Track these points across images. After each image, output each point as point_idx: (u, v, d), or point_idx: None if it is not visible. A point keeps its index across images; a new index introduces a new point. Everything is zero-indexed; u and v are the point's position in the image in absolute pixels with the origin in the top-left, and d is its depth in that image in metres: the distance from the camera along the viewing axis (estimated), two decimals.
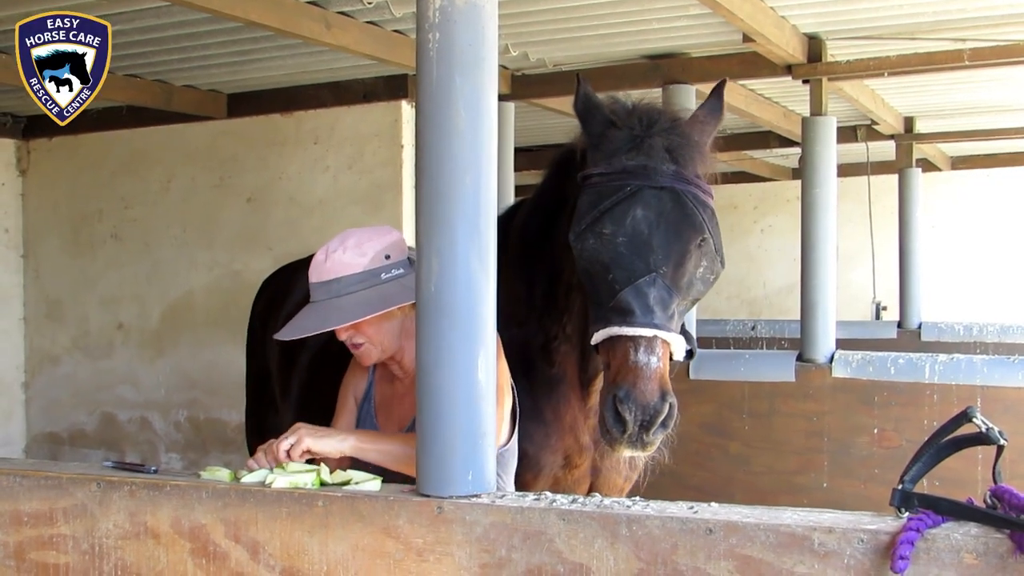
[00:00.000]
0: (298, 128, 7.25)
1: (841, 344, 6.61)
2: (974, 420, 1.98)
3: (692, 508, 2.10)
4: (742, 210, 15.13)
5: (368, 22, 5.53)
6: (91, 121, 7.69)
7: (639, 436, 2.79)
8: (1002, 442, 1.97)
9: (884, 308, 11.13)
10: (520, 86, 6.85)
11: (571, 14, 5.70)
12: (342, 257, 2.83)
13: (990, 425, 1.98)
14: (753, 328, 10.13)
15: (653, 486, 5.56)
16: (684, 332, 3.15)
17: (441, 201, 2.24)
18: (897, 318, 10.06)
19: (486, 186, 2.26)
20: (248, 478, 2.48)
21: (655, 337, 2.82)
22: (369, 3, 5.14)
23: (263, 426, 4.61)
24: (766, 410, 6.32)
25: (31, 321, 8.35)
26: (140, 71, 6.70)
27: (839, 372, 6.13)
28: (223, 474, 2.52)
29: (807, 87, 6.55)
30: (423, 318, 2.26)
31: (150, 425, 7.90)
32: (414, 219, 2.33)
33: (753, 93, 7.88)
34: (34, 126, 8.16)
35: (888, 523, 1.96)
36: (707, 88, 6.72)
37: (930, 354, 6.30)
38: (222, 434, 7.48)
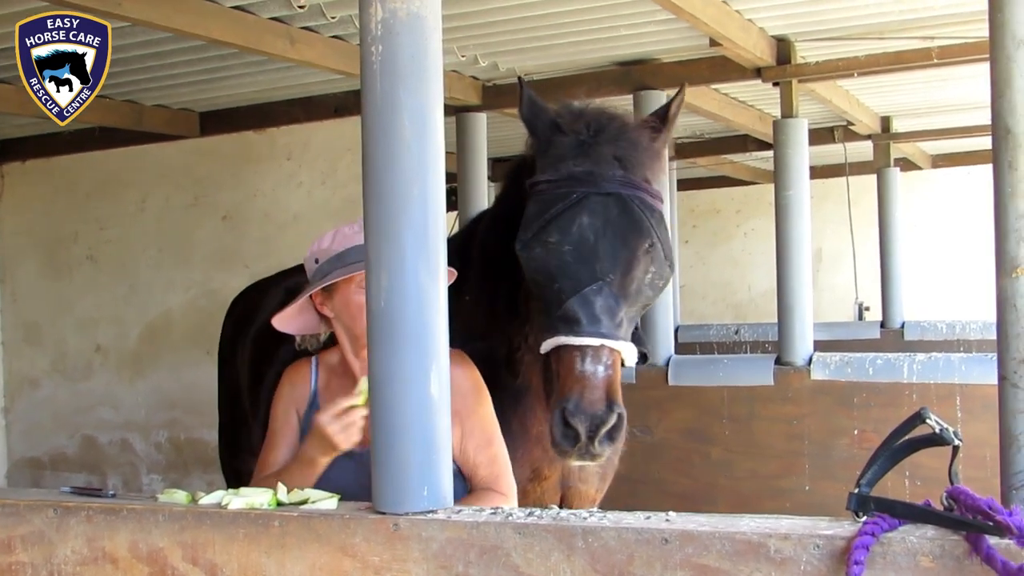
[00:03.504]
0: (271, 145, 7.23)
1: (824, 346, 6.61)
2: (928, 421, 1.97)
3: (648, 518, 2.08)
4: (725, 214, 15.16)
5: (333, 36, 5.52)
6: (64, 143, 7.67)
7: (587, 446, 2.76)
8: (956, 442, 1.96)
9: (867, 308, 11.15)
10: (491, 96, 6.84)
11: (540, 23, 5.69)
12: None
13: (944, 426, 1.97)
14: (736, 332, 10.13)
15: (635, 495, 5.57)
16: (636, 336, 3.13)
17: (388, 215, 2.22)
18: (880, 318, 10.06)
19: (434, 198, 2.24)
20: (205, 499, 2.45)
21: (602, 346, 2.80)
22: (333, 18, 5.13)
23: (236, 444, 4.59)
24: (746, 414, 6.31)
25: (9, 345, 8.31)
26: (109, 92, 6.68)
27: (817, 374, 6.12)
28: (180, 496, 2.49)
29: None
30: (374, 333, 2.24)
31: (131, 447, 7.86)
32: None
33: (727, 97, 7.89)
34: (7, 150, 8.13)
35: (844, 528, 1.94)
36: None
37: (908, 354, 6.30)
38: (203, 454, 7.44)
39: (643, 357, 3.37)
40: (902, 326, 9.74)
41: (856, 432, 5.99)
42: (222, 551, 2.34)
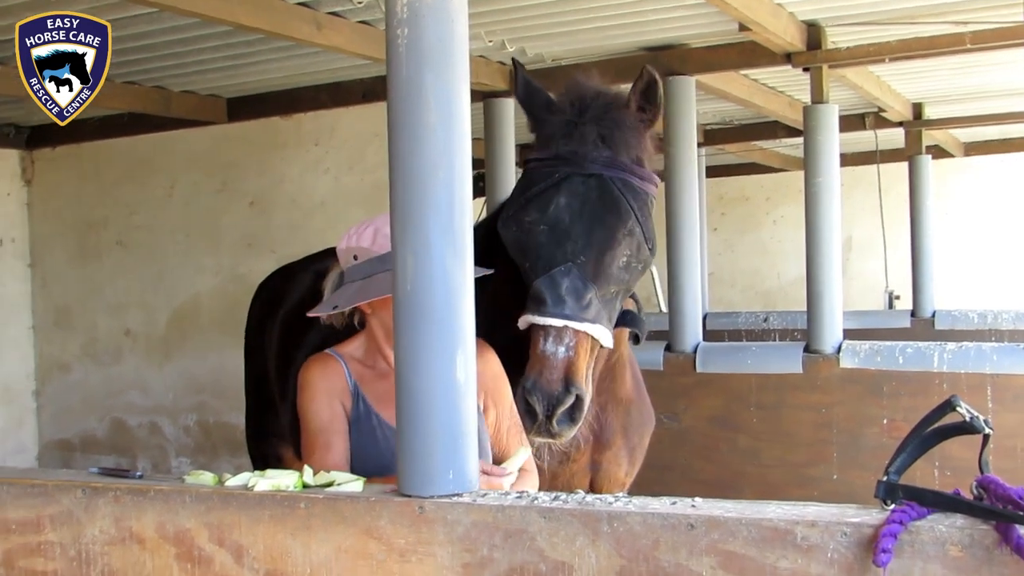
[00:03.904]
0: (298, 130, 7.24)
1: (854, 334, 6.56)
2: (958, 409, 1.95)
3: (674, 503, 2.07)
4: (754, 201, 15.08)
5: (360, 22, 5.52)
6: (93, 129, 7.71)
7: (545, 425, 2.76)
8: (987, 431, 1.93)
9: (897, 297, 11.06)
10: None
11: (567, 7, 5.67)
12: None
13: (975, 414, 1.94)
14: (765, 320, 10.07)
15: (662, 482, 5.55)
16: (630, 316, 3.11)
17: (414, 199, 2.22)
18: (911, 307, 9.98)
19: (460, 182, 2.23)
20: (231, 481, 2.46)
21: (565, 327, 2.81)
22: (359, 2, 5.12)
23: (263, 428, 4.61)
24: (774, 402, 6.28)
25: (40, 329, 8.38)
26: (138, 78, 6.71)
27: (847, 363, 6.07)
28: (207, 478, 2.50)
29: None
30: (400, 318, 2.24)
31: (160, 430, 7.92)
32: None
33: (756, 83, 7.83)
34: (38, 136, 8.19)
35: (872, 516, 1.92)
36: (707, 79, 6.80)
37: (939, 343, 6.23)
38: (231, 437, 7.48)
39: (635, 338, 3.37)
40: (933, 315, 9.65)
41: (885, 421, 5.94)
42: (248, 532, 2.35)
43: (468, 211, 2.27)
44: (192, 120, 7.38)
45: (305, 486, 2.39)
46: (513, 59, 3.30)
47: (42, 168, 8.28)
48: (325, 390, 3.00)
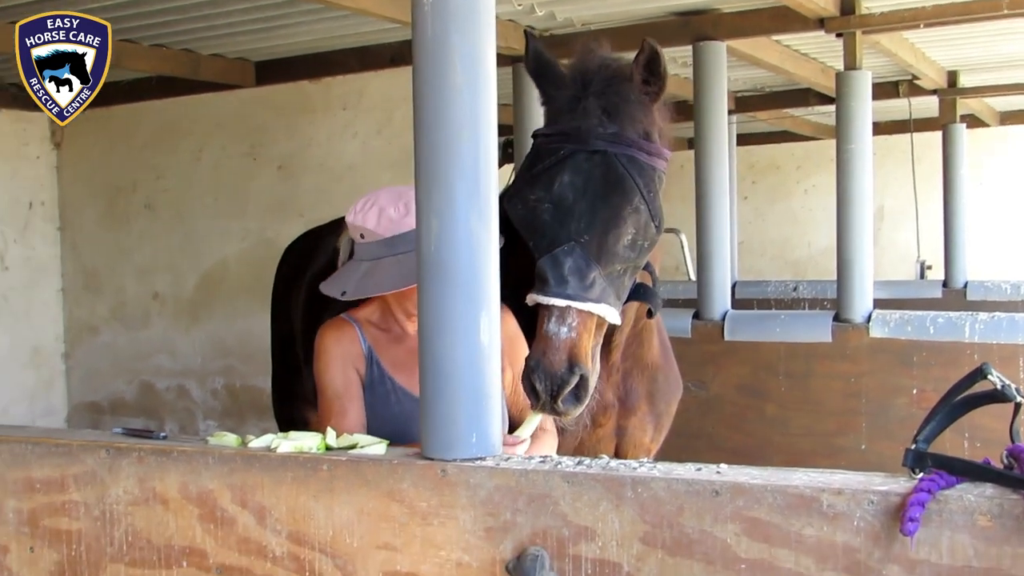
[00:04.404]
0: (327, 95, 7.22)
1: (885, 304, 6.49)
2: (989, 377, 1.92)
3: (699, 469, 2.06)
4: (785, 170, 14.94)
5: None
6: (122, 92, 7.71)
7: (550, 404, 2.75)
8: (1019, 399, 1.90)
9: (929, 267, 10.96)
10: (548, 47, 6.73)
11: None
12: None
13: (1006, 382, 1.91)
14: (795, 289, 9.99)
15: (687, 449, 5.53)
16: (646, 290, 3.08)
17: (439, 161, 2.19)
18: (942, 277, 9.88)
19: (485, 145, 2.21)
20: (254, 443, 2.46)
21: (568, 307, 2.77)
22: None
23: (289, 392, 4.61)
24: (803, 371, 6.23)
25: (69, 292, 8.43)
26: (166, 41, 6.70)
27: (877, 332, 6.02)
28: (230, 439, 2.50)
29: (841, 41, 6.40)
30: (424, 280, 2.22)
31: (188, 393, 7.97)
32: None
33: (788, 49, 7.73)
34: None
35: (900, 484, 1.90)
36: (739, 45, 6.72)
37: (971, 313, 6.16)
38: (259, 401, 7.51)
39: (648, 312, 3.34)
40: (965, 285, 9.54)
41: (915, 391, 5.89)
42: (271, 494, 2.35)
43: (494, 173, 2.24)
44: (220, 84, 7.37)
45: (328, 448, 2.39)
46: (525, 30, 3.23)
47: (71, 131, 8.29)
48: (340, 356, 3.01)
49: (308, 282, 4.37)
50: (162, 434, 2.63)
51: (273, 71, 7.36)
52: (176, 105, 7.80)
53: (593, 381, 2.84)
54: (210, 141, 7.75)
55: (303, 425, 4.25)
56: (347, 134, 7.14)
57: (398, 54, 6.79)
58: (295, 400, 4.51)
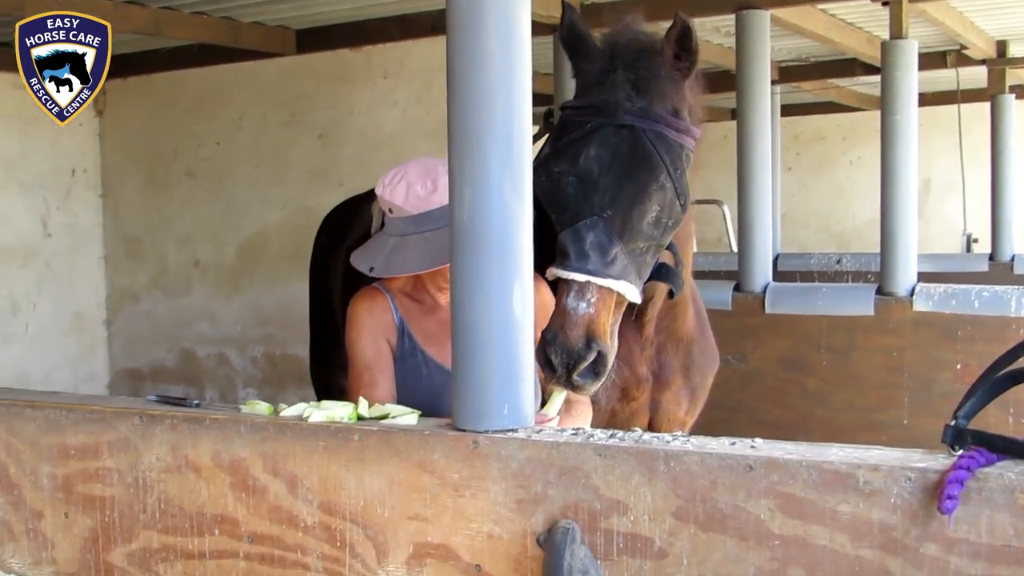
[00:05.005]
0: (367, 63, 7.19)
1: (930, 277, 6.38)
2: None
3: (733, 444, 2.03)
4: (830, 141, 14.78)
5: None
6: (164, 60, 7.73)
7: (567, 379, 2.73)
8: None
9: (975, 240, 10.79)
10: (589, 15, 6.64)
11: None
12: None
13: None
14: (838, 262, 9.88)
15: (726, 422, 5.48)
16: (667, 270, 3.05)
17: (472, 129, 2.16)
18: (989, 251, 9.73)
19: (519, 113, 2.18)
20: (286, 412, 2.45)
21: (588, 283, 2.75)
22: None
23: (328, 359, 4.62)
24: (845, 345, 6.15)
25: (111, 259, 8.49)
26: (207, 8, 6.68)
27: (920, 306, 5.92)
28: (262, 408, 2.50)
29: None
30: (456, 249, 2.20)
31: (228, 361, 8.02)
32: None
33: (833, 18, 7.60)
34: (110, 67, 8.20)
35: (939, 461, 1.86)
36: (783, 14, 6.62)
37: (1017, 287, 6.05)
38: (298, 369, 7.54)
39: (670, 293, 3.30)
40: (1012, 259, 9.39)
41: (959, 366, 5.80)
42: (302, 463, 2.35)
43: (527, 141, 2.21)
44: (261, 52, 7.36)
45: (360, 418, 2.38)
46: (563, 1, 3.19)
47: (114, 99, 8.33)
48: (371, 327, 3.00)
49: (346, 251, 4.35)
50: (195, 402, 2.64)
51: (314, 39, 7.33)
52: (217, 73, 7.80)
53: (611, 357, 2.81)
54: (251, 109, 7.75)
55: (340, 393, 4.25)
56: (387, 103, 7.11)
57: (439, 22, 6.71)
58: (333, 368, 4.51)
